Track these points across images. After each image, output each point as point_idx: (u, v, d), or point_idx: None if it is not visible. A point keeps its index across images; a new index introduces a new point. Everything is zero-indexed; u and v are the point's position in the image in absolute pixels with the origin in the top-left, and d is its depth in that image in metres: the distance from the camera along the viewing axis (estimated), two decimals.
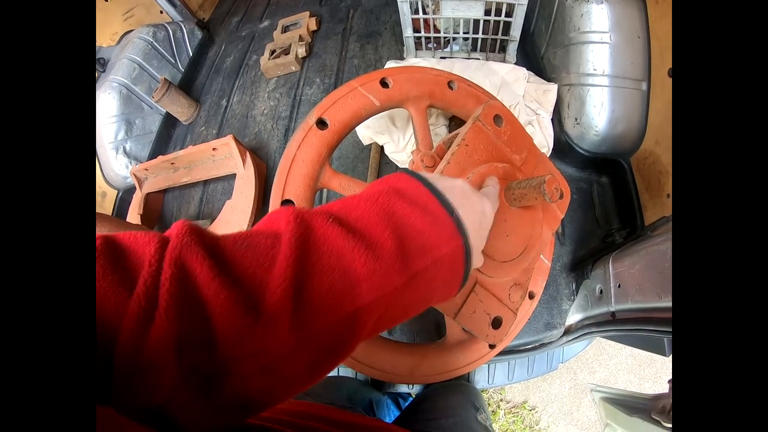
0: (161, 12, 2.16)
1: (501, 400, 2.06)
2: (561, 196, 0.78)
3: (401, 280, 0.35)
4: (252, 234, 0.33)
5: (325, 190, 1.44)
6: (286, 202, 0.74)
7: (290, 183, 0.74)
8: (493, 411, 2.03)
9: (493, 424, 1.97)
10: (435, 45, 1.54)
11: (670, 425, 0.75)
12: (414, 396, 1.39)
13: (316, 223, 0.34)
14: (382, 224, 0.36)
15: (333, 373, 1.31)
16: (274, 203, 0.74)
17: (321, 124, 0.78)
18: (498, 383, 1.40)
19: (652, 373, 2.09)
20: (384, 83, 0.85)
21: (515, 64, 1.46)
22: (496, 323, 0.68)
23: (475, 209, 0.45)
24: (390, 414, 1.36)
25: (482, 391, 2.02)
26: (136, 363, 0.25)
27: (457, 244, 0.39)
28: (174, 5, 2.15)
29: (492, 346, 0.92)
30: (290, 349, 0.30)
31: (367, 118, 0.84)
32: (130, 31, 2.02)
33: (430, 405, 0.86)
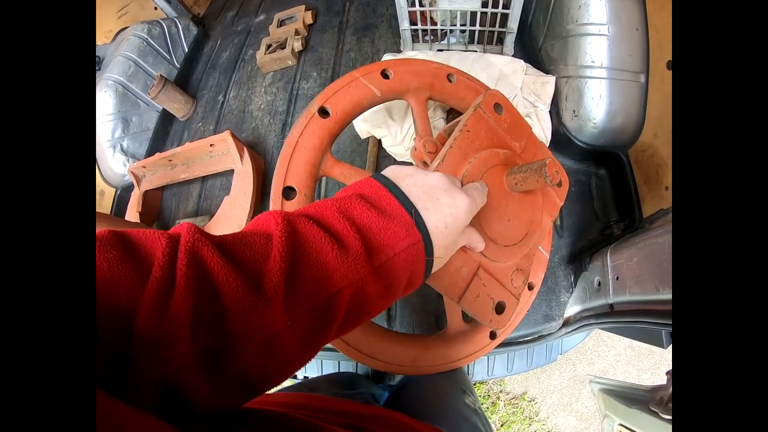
0: (156, 8, 2.15)
1: (501, 392, 2.07)
2: (560, 183, 0.79)
3: (367, 270, 0.41)
4: (246, 234, 0.39)
5: (324, 181, 1.44)
6: (287, 189, 0.74)
7: (292, 169, 0.75)
8: (492, 402, 2.04)
9: (493, 416, 1.99)
10: (432, 37, 1.54)
11: (668, 416, 0.76)
12: None
13: (299, 224, 0.40)
14: (348, 226, 0.41)
15: (334, 369, 1.32)
16: (275, 189, 0.74)
17: (323, 112, 0.78)
18: (497, 375, 1.40)
19: (650, 364, 2.10)
20: (385, 74, 0.85)
21: (513, 56, 1.46)
22: (500, 308, 0.68)
23: (443, 210, 0.48)
24: None
25: (482, 382, 2.03)
26: (155, 335, 0.29)
27: (413, 241, 0.44)
28: (168, 1, 2.13)
29: (493, 336, 0.92)
30: (284, 327, 0.36)
31: (369, 108, 0.84)
32: (125, 28, 2.01)
33: (415, 390, 0.86)
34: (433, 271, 0.50)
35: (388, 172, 0.51)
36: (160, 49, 1.94)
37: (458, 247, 0.57)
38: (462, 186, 0.57)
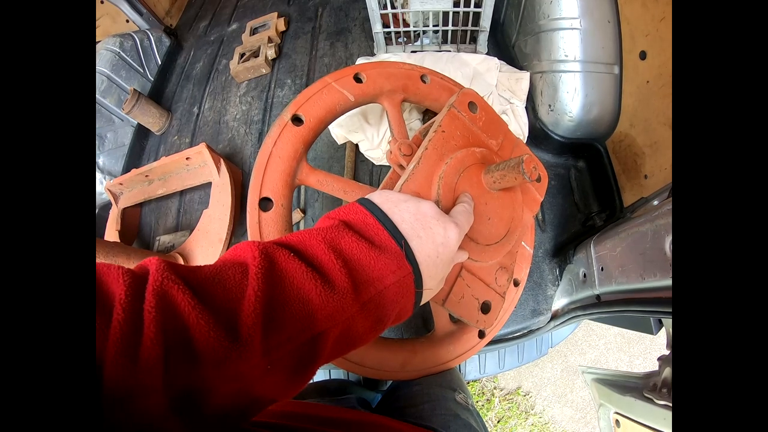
0: (127, 21, 2.12)
1: (495, 388, 2.08)
2: (539, 179, 0.79)
3: (355, 308, 0.38)
4: (221, 268, 0.36)
5: (303, 189, 1.43)
6: (264, 200, 0.73)
7: (267, 180, 0.73)
8: (487, 399, 2.04)
9: (489, 413, 1.99)
10: (405, 39, 1.54)
11: (663, 402, 0.76)
12: None
13: (278, 257, 0.37)
14: (334, 258, 0.39)
15: (325, 376, 1.31)
16: (251, 201, 0.72)
17: (296, 120, 0.77)
18: (490, 372, 1.40)
19: (641, 349, 2.13)
20: (357, 78, 0.84)
21: (486, 54, 1.46)
22: (485, 308, 0.67)
23: (435, 239, 0.46)
24: None
25: (475, 381, 2.03)
26: (126, 386, 0.26)
27: (404, 274, 0.42)
28: (140, 13, 2.10)
29: (481, 335, 0.92)
30: (263, 372, 0.33)
31: (342, 114, 0.84)
32: (97, 42, 1.97)
33: (405, 391, 0.85)
34: (422, 303, 0.49)
35: (377, 197, 0.49)
36: (132, 62, 1.91)
37: (446, 277, 0.55)
38: (440, 197, 0.57)
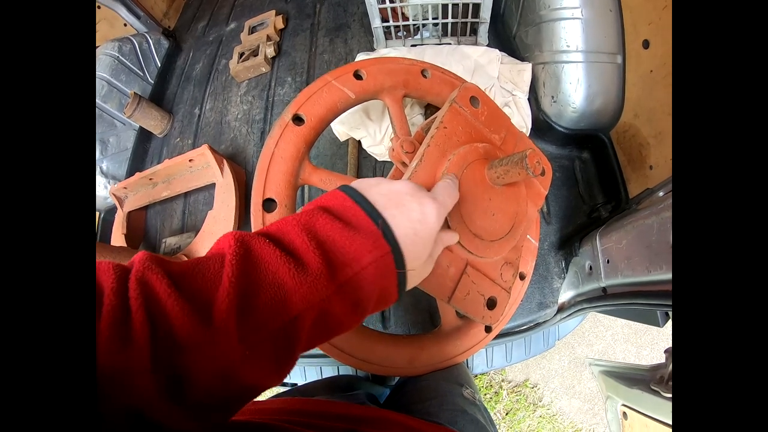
0: (125, 25, 2.11)
1: (503, 381, 2.08)
2: (543, 173, 0.78)
3: (330, 290, 0.38)
4: (201, 260, 0.37)
5: (307, 188, 1.43)
6: (267, 201, 0.73)
7: (270, 181, 0.73)
8: (495, 392, 2.05)
9: (497, 405, 1.99)
10: (405, 33, 1.53)
11: (670, 395, 0.76)
12: None
13: (254, 244, 0.38)
14: (307, 241, 0.39)
15: (333, 373, 1.31)
16: (255, 202, 0.73)
17: (297, 120, 0.77)
18: (497, 366, 1.40)
19: (648, 340, 2.12)
20: (358, 75, 0.84)
21: (487, 46, 1.45)
22: (491, 303, 0.67)
23: (410, 216, 0.46)
24: None
25: (482, 374, 2.03)
26: (119, 366, 0.28)
27: (381, 254, 0.41)
28: (138, 16, 2.09)
29: (488, 330, 0.92)
30: (241, 357, 0.34)
31: (344, 112, 0.83)
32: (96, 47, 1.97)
33: (413, 386, 0.85)
34: (409, 286, 0.48)
35: (355, 184, 0.49)
36: (132, 66, 1.91)
37: (435, 259, 0.55)
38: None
